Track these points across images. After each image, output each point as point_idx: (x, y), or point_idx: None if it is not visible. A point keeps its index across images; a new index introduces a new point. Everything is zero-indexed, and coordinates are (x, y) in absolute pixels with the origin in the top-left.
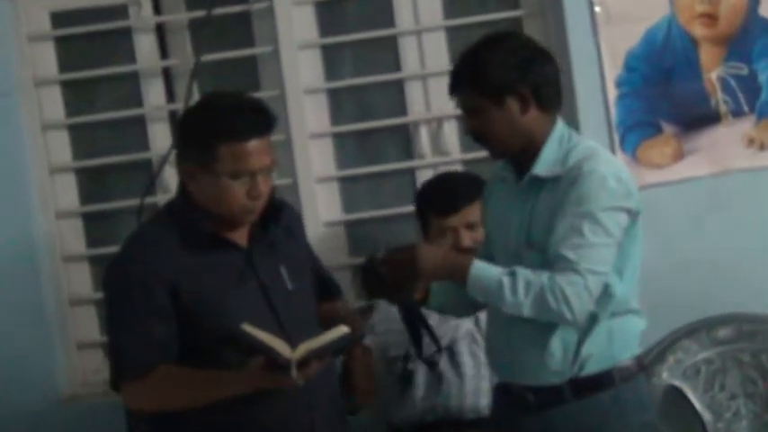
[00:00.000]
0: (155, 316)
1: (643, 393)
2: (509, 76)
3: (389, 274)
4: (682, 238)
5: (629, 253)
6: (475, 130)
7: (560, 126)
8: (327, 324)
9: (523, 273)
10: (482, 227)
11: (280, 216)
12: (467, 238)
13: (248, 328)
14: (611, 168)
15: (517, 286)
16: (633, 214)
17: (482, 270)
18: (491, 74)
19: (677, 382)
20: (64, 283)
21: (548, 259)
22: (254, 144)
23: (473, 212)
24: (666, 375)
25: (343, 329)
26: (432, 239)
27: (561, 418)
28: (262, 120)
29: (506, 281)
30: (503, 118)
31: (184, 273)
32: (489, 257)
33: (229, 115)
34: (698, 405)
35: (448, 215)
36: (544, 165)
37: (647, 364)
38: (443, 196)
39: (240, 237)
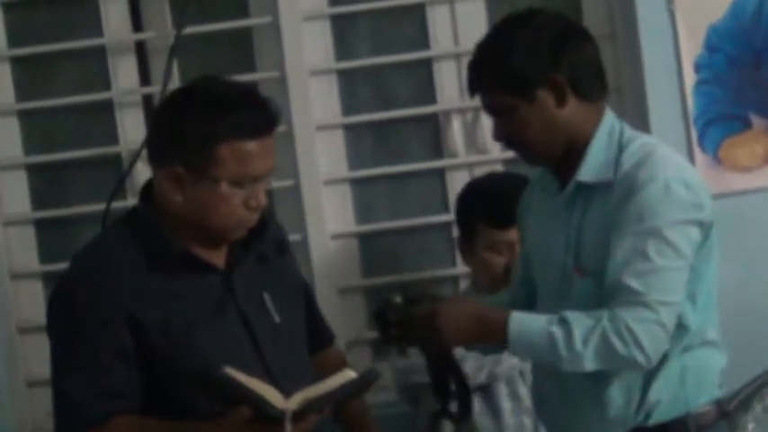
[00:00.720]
0: (111, 356)
1: None
2: (538, 63)
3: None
4: None
5: (702, 274)
6: (506, 135)
7: (609, 118)
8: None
9: (577, 317)
10: (519, 245)
11: (265, 231)
12: None
13: (232, 372)
14: (675, 171)
15: (573, 336)
16: (706, 227)
17: (524, 324)
18: (516, 64)
19: None
20: (11, 306)
21: (606, 288)
22: (260, 144)
23: None
24: (753, 427)
25: (349, 374)
26: (478, 253)
27: None
28: (269, 114)
29: (558, 332)
30: (537, 115)
31: (149, 301)
32: (528, 284)
33: (233, 108)
34: None
35: (505, 227)
36: (591, 168)
37: (729, 410)
38: (500, 202)
39: (217, 257)
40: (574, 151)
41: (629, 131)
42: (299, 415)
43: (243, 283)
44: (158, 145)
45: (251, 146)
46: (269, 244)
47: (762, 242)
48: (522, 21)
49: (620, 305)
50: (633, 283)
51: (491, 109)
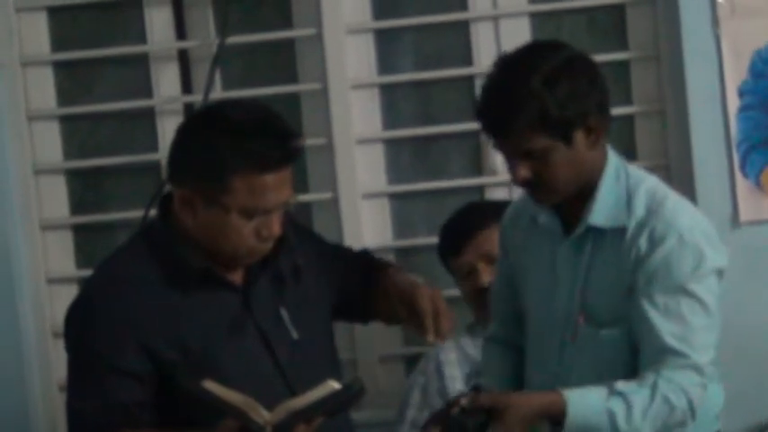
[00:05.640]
0: (122, 374)
1: None
2: (579, 104)
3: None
4: None
5: None
6: (533, 178)
7: (612, 156)
8: (409, 309)
9: (632, 389)
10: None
11: (282, 254)
12: (486, 274)
13: (211, 385)
14: (690, 221)
15: (633, 410)
16: (721, 274)
17: (581, 404)
18: (560, 104)
19: None
20: (47, 310)
21: (645, 350)
22: (275, 177)
23: (491, 240)
24: None
25: (332, 386)
26: (458, 282)
27: None
28: (288, 147)
29: (617, 407)
30: (569, 157)
31: (165, 320)
32: (515, 321)
33: (250, 139)
34: None
35: (460, 250)
36: (603, 211)
37: None
38: (452, 229)
39: (233, 274)
40: (583, 191)
41: (633, 171)
42: (283, 428)
43: (260, 301)
44: (174, 165)
45: (265, 179)
46: (287, 265)
47: None
48: (549, 56)
49: (671, 368)
50: (678, 345)
51: (522, 153)
